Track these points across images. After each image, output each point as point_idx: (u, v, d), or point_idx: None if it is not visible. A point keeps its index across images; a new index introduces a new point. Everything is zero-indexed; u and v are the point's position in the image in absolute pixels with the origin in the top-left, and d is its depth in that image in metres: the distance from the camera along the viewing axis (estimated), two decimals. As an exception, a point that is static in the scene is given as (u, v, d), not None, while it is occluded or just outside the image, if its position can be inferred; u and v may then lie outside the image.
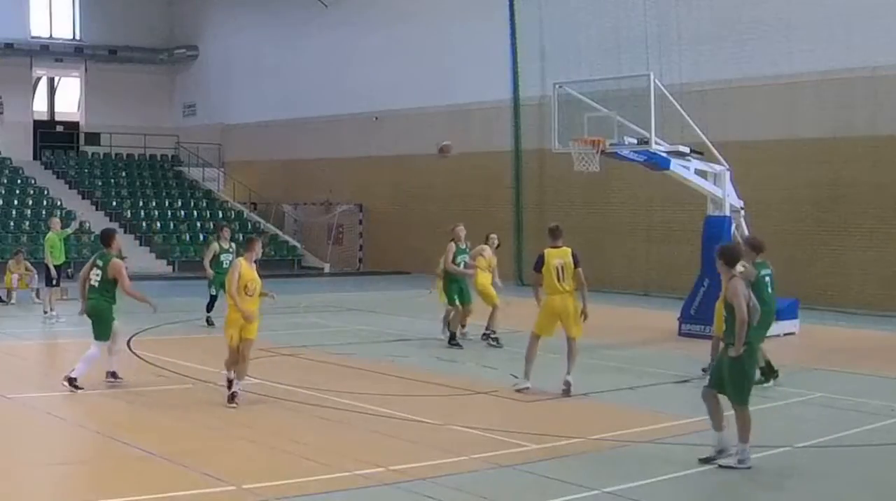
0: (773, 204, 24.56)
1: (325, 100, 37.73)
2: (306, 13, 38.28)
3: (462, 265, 17.30)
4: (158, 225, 37.29)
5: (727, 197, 19.30)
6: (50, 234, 21.27)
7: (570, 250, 13.13)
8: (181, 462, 9.31)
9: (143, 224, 37.18)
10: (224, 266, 19.10)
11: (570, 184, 28.21)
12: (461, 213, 30.20)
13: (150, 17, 44.24)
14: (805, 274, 24.03)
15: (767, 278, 13.46)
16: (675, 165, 19.02)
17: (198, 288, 28.92)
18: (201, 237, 37.07)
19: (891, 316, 22.46)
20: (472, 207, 30.99)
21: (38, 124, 42.98)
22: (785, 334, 18.80)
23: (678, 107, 19.47)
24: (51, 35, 42.76)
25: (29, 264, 24.77)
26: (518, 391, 13.02)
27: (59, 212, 32.95)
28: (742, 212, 19.75)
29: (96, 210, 37.71)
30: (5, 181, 37.66)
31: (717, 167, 19.49)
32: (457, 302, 17.15)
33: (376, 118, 36.27)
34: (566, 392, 12.85)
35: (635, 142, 18.78)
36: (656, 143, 18.62)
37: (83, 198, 38.47)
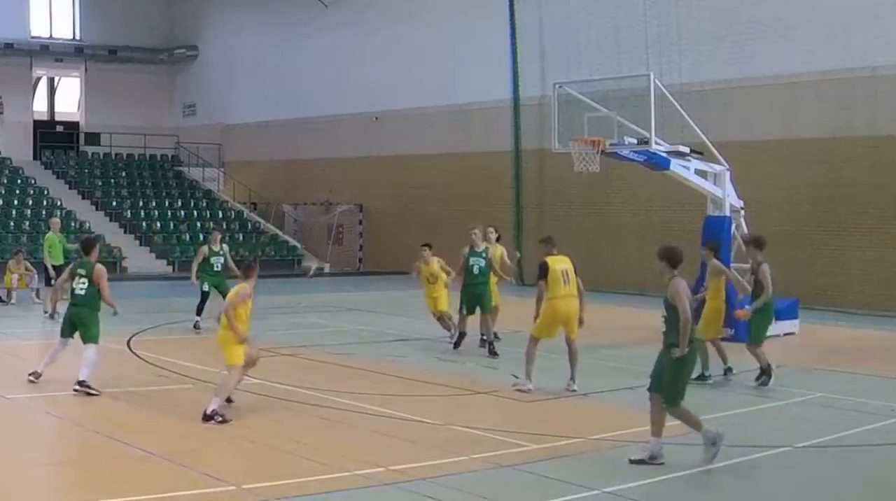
0: (773, 204, 24.56)
1: (325, 100, 37.74)
2: (306, 13, 38.28)
3: (476, 269, 16.44)
4: (158, 225, 37.28)
5: (727, 197, 19.31)
6: (49, 234, 21.27)
7: (568, 258, 13.49)
8: (181, 462, 9.31)
9: (143, 224, 37.18)
10: (215, 268, 19.20)
11: (570, 184, 28.21)
12: (461, 213, 30.29)
13: (150, 17, 44.23)
14: (805, 274, 24.03)
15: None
16: (675, 165, 19.02)
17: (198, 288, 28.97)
18: (201, 237, 37.04)
19: (891, 316, 22.46)
20: (472, 207, 30.98)
21: (38, 124, 42.97)
22: (785, 334, 18.81)
23: (678, 107, 19.48)
24: (51, 35, 42.76)
25: (29, 264, 24.75)
26: (519, 391, 13.02)
27: (59, 213, 32.97)
28: (742, 212, 19.76)
29: (96, 210, 37.71)
30: (5, 181, 37.66)
31: (717, 167, 19.50)
32: (464, 312, 16.58)
33: (376, 118, 36.27)
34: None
35: (635, 142, 18.79)
36: (656, 143, 18.62)
37: (83, 198, 38.47)
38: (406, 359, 15.97)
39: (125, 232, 36.22)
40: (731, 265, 19.21)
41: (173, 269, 34.23)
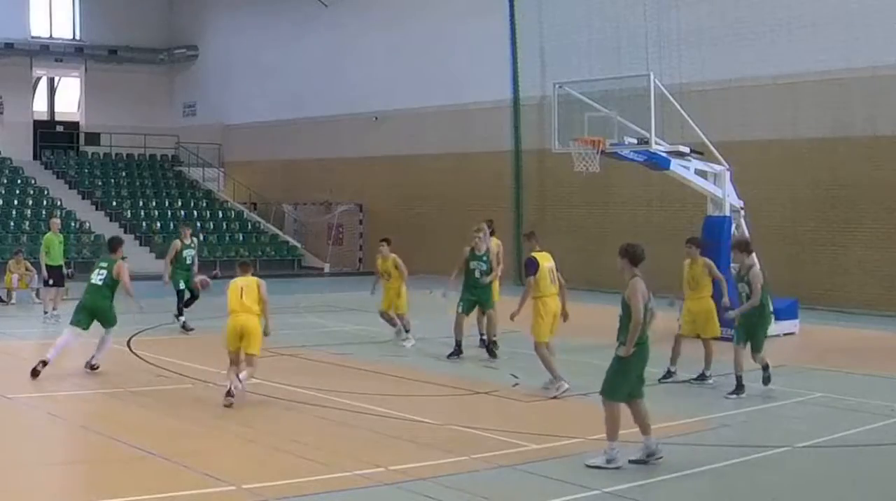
0: (773, 204, 24.56)
1: (325, 100, 37.74)
2: (306, 13, 38.28)
3: (477, 273, 16.00)
4: (158, 225, 37.27)
5: (727, 197, 19.31)
6: (48, 235, 21.25)
7: (550, 253, 13.52)
8: (181, 462, 9.31)
9: (143, 224, 37.17)
10: (187, 261, 19.33)
11: (570, 183, 28.20)
12: (461, 213, 30.29)
13: (150, 17, 44.22)
14: (805, 274, 24.03)
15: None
16: (675, 165, 19.03)
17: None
18: (201, 237, 37.06)
19: (891, 316, 22.45)
20: (472, 207, 30.96)
21: (38, 124, 42.94)
22: (785, 334, 18.80)
23: (678, 107, 19.48)
24: (51, 35, 42.75)
25: (29, 264, 24.76)
26: (556, 397, 12.71)
27: (59, 213, 32.96)
28: (742, 212, 19.76)
29: (96, 210, 37.71)
30: (5, 181, 37.65)
31: (717, 167, 19.50)
32: (460, 310, 16.14)
33: (376, 118, 36.27)
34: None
35: (635, 142, 18.80)
36: (656, 143, 18.63)
37: (83, 198, 38.47)
38: (406, 359, 15.97)
39: (125, 232, 36.16)
40: (732, 266, 19.26)
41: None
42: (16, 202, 36.22)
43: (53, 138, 42.96)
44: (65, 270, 21.25)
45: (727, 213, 19.20)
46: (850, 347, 18.78)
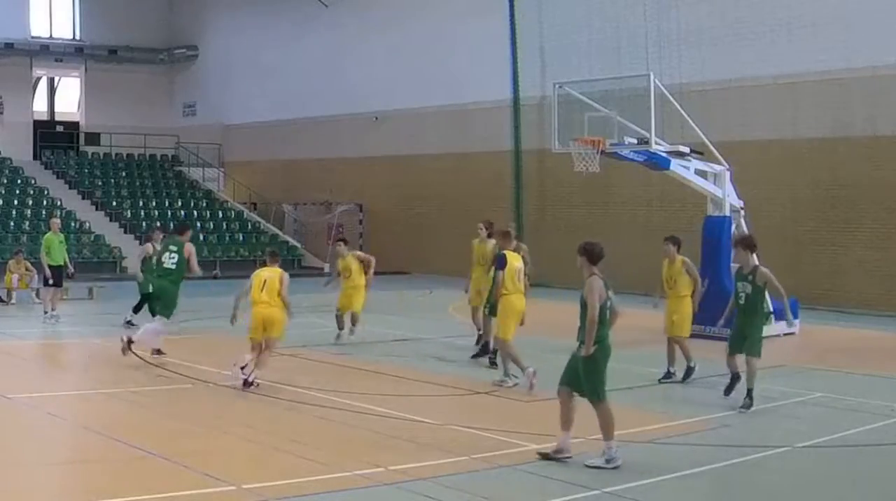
0: (773, 204, 24.56)
1: (325, 100, 37.73)
2: (306, 13, 38.29)
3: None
4: (158, 225, 37.18)
5: (727, 197, 19.31)
6: (48, 235, 21.25)
7: (520, 255, 14.00)
8: (181, 462, 9.31)
9: (143, 224, 37.11)
10: (156, 265, 19.32)
11: (570, 184, 28.20)
12: (461, 213, 30.28)
13: (150, 17, 44.22)
14: (805, 274, 24.01)
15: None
16: (675, 165, 19.03)
17: (198, 288, 28.92)
18: (201, 237, 37.06)
19: (891, 316, 22.46)
20: (472, 207, 30.94)
21: (38, 124, 42.94)
22: (785, 334, 18.79)
23: (678, 107, 19.49)
24: (51, 35, 42.75)
25: (29, 264, 24.76)
26: (529, 384, 12.95)
27: (59, 213, 32.96)
28: (742, 212, 19.76)
29: (96, 210, 37.70)
30: (5, 181, 37.65)
31: (717, 167, 19.50)
32: (487, 313, 15.69)
33: (376, 118, 36.27)
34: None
35: (635, 142, 18.80)
36: (656, 143, 18.63)
37: (83, 198, 38.46)
38: (406, 359, 15.97)
39: (125, 232, 36.20)
40: (732, 265, 19.24)
41: (173, 269, 34.22)
42: (16, 202, 36.22)
43: (53, 138, 42.96)
44: (68, 270, 21.18)
45: (727, 213, 19.20)
46: (850, 347, 18.78)
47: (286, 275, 13.40)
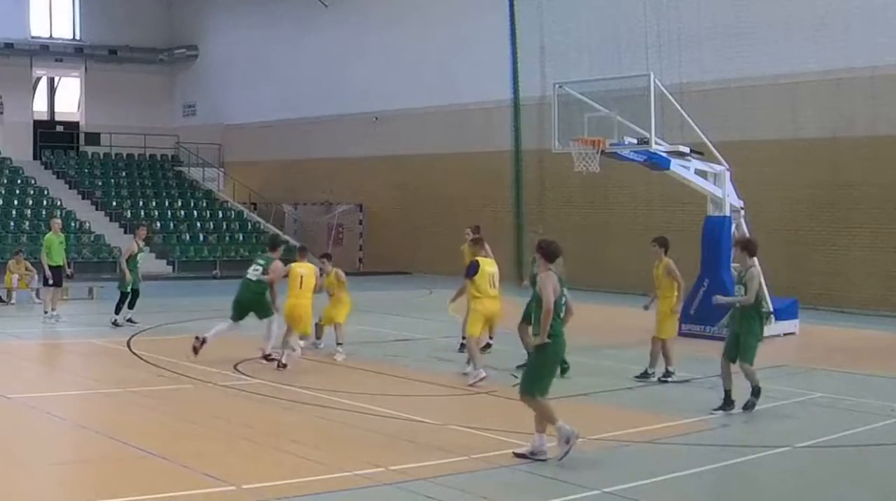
0: (773, 204, 24.56)
1: (325, 100, 37.74)
2: (306, 13, 38.28)
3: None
4: (158, 225, 37.25)
5: (727, 197, 19.30)
6: (49, 235, 21.25)
7: (495, 262, 14.47)
8: (181, 462, 9.31)
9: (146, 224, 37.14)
10: (139, 263, 19.43)
11: (569, 183, 28.22)
12: (461, 213, 30.27)
13: (150, 17, 44.22)
14: (805, 274, 24.03)
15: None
16: (675, 165, 19.02)
17: (199, 288, 28.98)
18: (201, 237, 37.08)
19: (891, 316, 22.46)
20: (472, 207, 30.98)
21: (38, 124, 42.94)
22: (785, 334, 18.80)
23: (678, 107, 19.48)
24: (51, 35, 42.74)
25: (29, 264, 24.77)
26: (476, 384, 13.37)
27: (59, 213, 32.97)
28: (742, 212, 19.76)
29: (96, 210, 37.70)
30: (5, 181, 37.64)
31: (717, 167, 19.49)
32: None
33: (376, 118, 36.28)
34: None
35: (635, 142, 18.79)
36: (656, 143, 18.62)
37: (83, 198, 38.46)
38: (405, 360, 15.97)
39: (125, 232, 36.12)
40: (732, 266, 19.25)
41: (173, 269, 34.26)
42: (16, 202, 36.22)
43: (53, 138, 42.95)
44: (67, 270, 21.20)
45: (727, 213, 19.19)
46: (850, 347, 18.79)
47: (317, 270, 15.00)
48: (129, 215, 37.40)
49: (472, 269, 14.14)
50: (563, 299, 9.72)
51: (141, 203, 38.70)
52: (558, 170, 26.97)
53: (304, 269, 14.90)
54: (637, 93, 19.54)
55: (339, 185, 37.52)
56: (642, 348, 14.78)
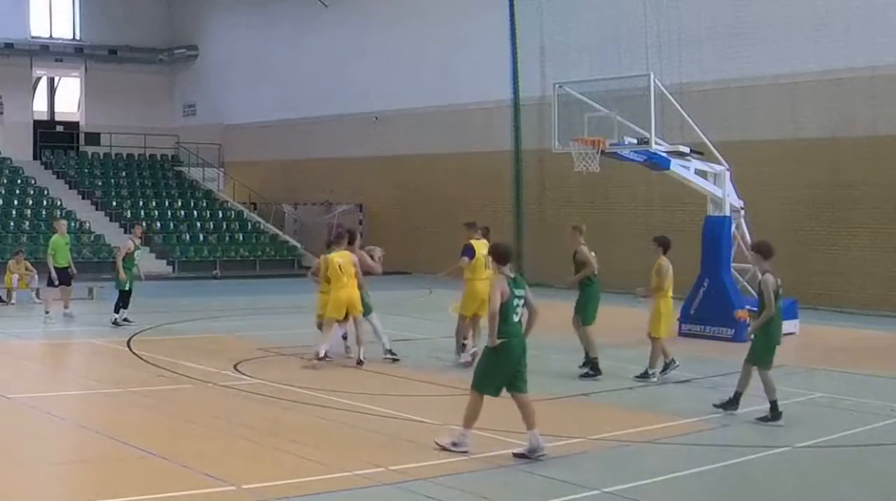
0: (773, 204, 24.54)
1: (325, 100, 37.74)
2: (306, 13, 38.28)
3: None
4: (158, 225, 37.27)
5: (727, 197, 19.30)
6: (55, 237, 21.26)
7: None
8: (181, 462, 9.31)
9: (143, 224, 37.05)
10: (136, 262, 19.45)
11: (569, 184, 28.21)
12: (461, 213, 30.23)
13: (150, 17, 44.23)
14: (805, 274, 24.00)
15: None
16: (675, 165, 19.02)
17: (199, 288, 28.98)
18: (201, 237, 37.09)
19: (891, 316, 22.45)
20: (472, 207, 30.95)
21: (38, 124, 42.94)
22: (785, 334, 18.75)
23: (678, 107, 19.48)
24: (51, 35, 42.75)
25: (29, 264, 24.77)
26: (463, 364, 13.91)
27: (59, 213, 32.97)
28: (742, 212, 19.76)
29: (96, 210, 37.70)
30: (5, 181, 37.65)
31: (717, 167, 19.50)
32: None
33: (376, 118, 36.28)
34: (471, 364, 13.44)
35: (635, 142, 18.79)
36: (656, 143, 18.63)
37: (83, 198, 38.47)
38: (406, 359, 15.96)
39: (125, 232, 36.07)
40: (731, 266, 19.26)
41: (173, 269, 34.27)
42: (16, 202, 36.22)
43: (53, 138, 42.95)
44: (72, 271, 21.19)
45: (727, 213, 19.19)
46: (850, 347, 18.78)
47: (355, 257, 14.92)
48: (129, 215, 37.39)
49: (471, 251, 14.47)
50: (517, 302, 9.71)
51: (141, 203, 38.70)
52: (558, 170, 26.97)
53: (341, 258, 14.94)
54: (637, 93, 19.54)
55: (339, 185, 37.51)
56: (642, 348, 14.79)
